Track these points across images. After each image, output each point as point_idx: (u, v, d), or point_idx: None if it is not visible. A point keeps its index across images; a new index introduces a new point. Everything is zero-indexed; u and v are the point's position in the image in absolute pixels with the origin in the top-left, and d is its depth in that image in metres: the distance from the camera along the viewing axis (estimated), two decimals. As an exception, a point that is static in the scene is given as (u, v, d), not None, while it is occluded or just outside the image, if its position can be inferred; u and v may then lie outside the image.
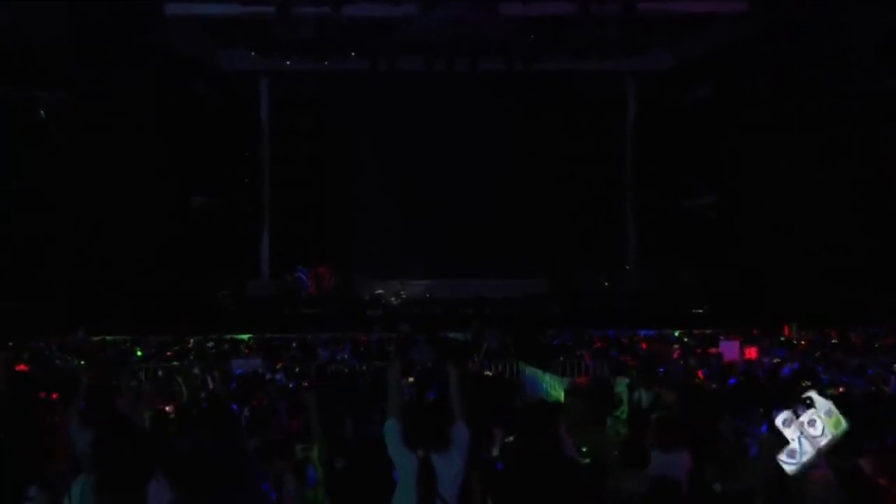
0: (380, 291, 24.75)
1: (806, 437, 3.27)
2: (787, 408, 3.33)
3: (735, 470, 4.59)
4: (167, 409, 7.22)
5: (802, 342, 14.35)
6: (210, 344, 17.05)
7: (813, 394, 3.33)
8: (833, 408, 3.26)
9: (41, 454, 5.24)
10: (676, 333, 18.12)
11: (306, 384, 9.18)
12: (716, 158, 22.93)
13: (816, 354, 12.23)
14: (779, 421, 3.29)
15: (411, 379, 9.32)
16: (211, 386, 8.76)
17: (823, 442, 3.25)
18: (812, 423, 3.29)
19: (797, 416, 3.31)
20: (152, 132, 21.00)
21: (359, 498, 5.06)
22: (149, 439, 4.69)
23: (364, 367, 12.29)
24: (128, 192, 20.05)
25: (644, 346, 15.18)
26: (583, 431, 5.80)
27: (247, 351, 14.74)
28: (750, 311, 19.07)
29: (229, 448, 4.55)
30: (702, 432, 5.16)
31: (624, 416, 7.42)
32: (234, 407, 6.57)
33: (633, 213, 27.54)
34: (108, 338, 17.51)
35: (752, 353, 11.10)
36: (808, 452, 3.27)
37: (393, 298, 24.26)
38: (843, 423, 3.27)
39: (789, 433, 3.26)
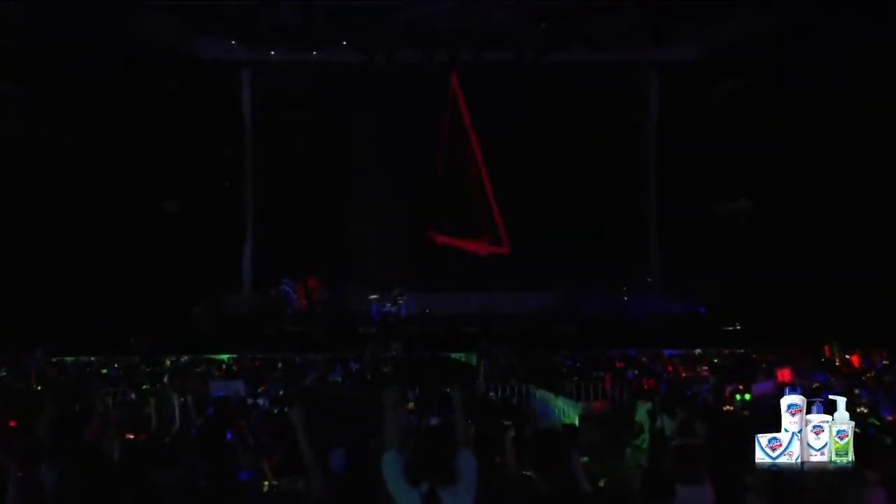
0: (375, 296, 24.75)
1: (801, 440, 3.20)
2: (804, 394, 3.29)
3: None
4: (138, 437, 7.27)
5: (858, 365, 14.32)
6: (185, 359, 17.14)
7: (842, 402, 3.26)
8: (851, 434, 3.19)
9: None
10: (701, 352, 18.20)
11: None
12: (750, 159, 22.88)
13: (863, 378, 12.23)
14: (785, 401, 3.22)
15: (411, 405, 9.38)
16: (187, 411, 8.77)
17: (816, 459, 3.18)
18: (818, 430, 3.22)
19: (808, 411, 3.24)
20: (120, 130, 20.97)
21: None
22: (121, 472, 4.72)
23: (356, 390, 12.32)
24: (92, 197, 20.02)
25: (669, 368, 15.22)
26: (600, 462, 5.84)
27: (218, 373, 14.78)
28: (787, 328, 19.02)
29: (224, 481, 4.59)
30: (730, 463, 5.17)
31: (644, 444, 7.44)
32: (229, 436, 6.64)
33: (656, 219, 27.53)
34: (68, 358, 17.52)
35: (785, 374, 11.06)
36: (794, 455, 3.18)
37: (389, 304, 24.27)
38: (850, 457, 3.18)
39: (787, 421, 3.20)
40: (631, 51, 25.09)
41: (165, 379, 13.07)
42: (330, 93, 26.53)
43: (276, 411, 9.71)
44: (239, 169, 27.24)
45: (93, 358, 17.67)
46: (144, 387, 12.90)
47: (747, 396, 9.46)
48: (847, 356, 15.57)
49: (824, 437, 3.27)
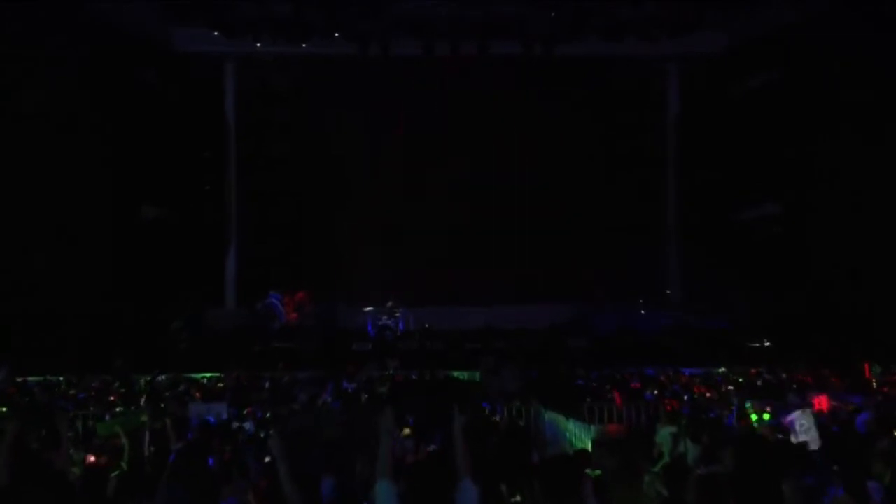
0: (370, 309, 24.69)
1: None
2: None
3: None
4: (99, 462, 7.27)
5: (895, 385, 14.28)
6: (162, 378, 17.09)
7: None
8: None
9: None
10: (725, 371, 18.13)
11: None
12: (779, 161, 22.84)
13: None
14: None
15: (407, 431, 9.32)
16: (166, 435, 8.74)
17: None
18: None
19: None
20: (90, 129, 20.93)
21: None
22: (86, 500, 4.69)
23: (348, 412, 12.26)
24: (62, 202, 19.94)
25: (696, 389, 15.16)
26: (615, 491, 5.79)
27: (197, 395, 14.75)
28: (820, 346, 18.94)
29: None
30: (760, 494, 5.13)
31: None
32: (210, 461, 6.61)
33: (676, 226, 27.47)
34: (33, 378, 17.46)
35: (821, 402, 11.03)
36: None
37: (386, 317, 24.21)
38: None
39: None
40: (647, 42, 24.90)
41: (142, 401, 13.08)
42: (320, 88, 26.48)
43: (262, 435, 9.68)
44: (221, 171, 27.18)
45: (61, 378, 17.62)
46: (118, 409, 12.87)
47: (766, 416, 9.40)
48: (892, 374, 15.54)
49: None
